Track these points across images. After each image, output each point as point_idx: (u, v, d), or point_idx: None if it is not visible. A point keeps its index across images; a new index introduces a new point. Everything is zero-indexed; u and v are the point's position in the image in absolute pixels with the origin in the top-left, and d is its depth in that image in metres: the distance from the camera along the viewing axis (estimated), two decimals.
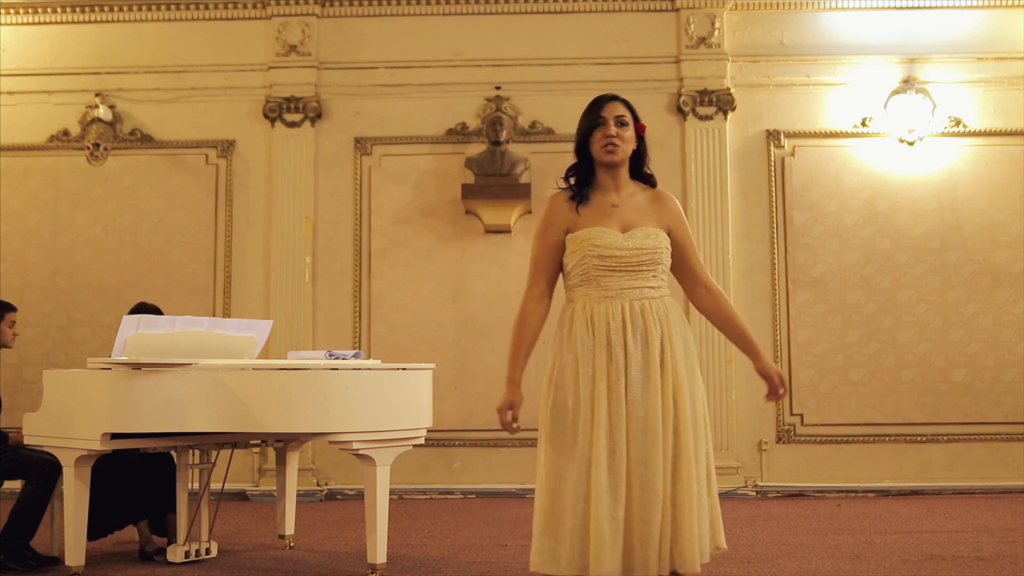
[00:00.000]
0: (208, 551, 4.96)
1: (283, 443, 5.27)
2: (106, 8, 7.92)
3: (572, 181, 3.18)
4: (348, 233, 7.77)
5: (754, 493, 7.35)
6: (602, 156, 3.11)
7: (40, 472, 4.77)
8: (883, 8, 7.78)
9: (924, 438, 7.51)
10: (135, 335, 4.52)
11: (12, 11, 7.93)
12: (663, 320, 3.03)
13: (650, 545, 2.86)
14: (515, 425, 3.05)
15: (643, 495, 2.88)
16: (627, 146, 3.12)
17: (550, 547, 2.92)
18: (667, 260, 3.11)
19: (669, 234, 3.12)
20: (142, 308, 5.23)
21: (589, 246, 3.05)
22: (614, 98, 3.16)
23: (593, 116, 3.13)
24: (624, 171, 3.17)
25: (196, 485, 4.97)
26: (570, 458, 2.93)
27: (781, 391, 3.11)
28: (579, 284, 3.09)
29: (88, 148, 7.84)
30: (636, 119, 3.15)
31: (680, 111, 7.67)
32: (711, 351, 7.35)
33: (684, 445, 2.94)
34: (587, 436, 2.93)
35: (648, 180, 3.22)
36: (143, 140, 7.88)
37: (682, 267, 3.17)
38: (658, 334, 3.00)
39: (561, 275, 3.18)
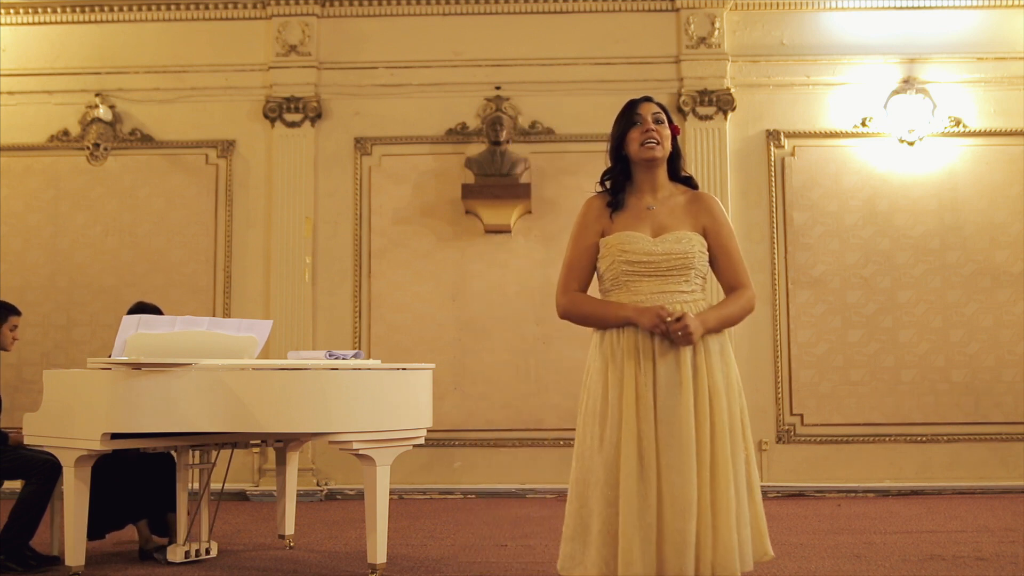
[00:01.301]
0: (208, 551, 4.96)
1: (283, 443, 5.27)
2: (106, 8, 7.92)
3: (607, 185, 3.12)
4: (348, 233, 7.77)
5: None
6: (642, 153, 3.04)
7: (40, 472, 4.77)
8: (883, 8, 7.78)
9: (924, 438, 7.51)
10: (135, 335, 4.52)
11: (12, 11, 7.93)
12: None
13: (685, 554, 2.80)
14: (667, 310, 2.88)
15: (675, 503, 2.82)
16: (666, 143, 3.06)
17: (580, 551, 2.91)
18: (701, 264, 3.03)
19: (704, 235, 3.04)
20: (140, 308, 5.23)
21: (618, 251, 3.00)
22: (647, 99, 3.11)
23: (629, 117, 3.08)
24: (662, 172, 3.10)
25: (196, 485, 4.98)
26: (598, 463, 2.91)
27: (676, 328, 2.86)
28: (610, 289, 3.06)
29: (88, 148, 7.84)
30: (670, 120, 3.10)
31: (680, 111, 7.66)
32: None
33: (721, 450, 2.89)
34: (614, 442, 2.89)
35: (688, 182, 3.15)
36: (143, 140, 7.88)
37: (713, 268, 3.09)
38: None
39: (596, 279, 3.13)
